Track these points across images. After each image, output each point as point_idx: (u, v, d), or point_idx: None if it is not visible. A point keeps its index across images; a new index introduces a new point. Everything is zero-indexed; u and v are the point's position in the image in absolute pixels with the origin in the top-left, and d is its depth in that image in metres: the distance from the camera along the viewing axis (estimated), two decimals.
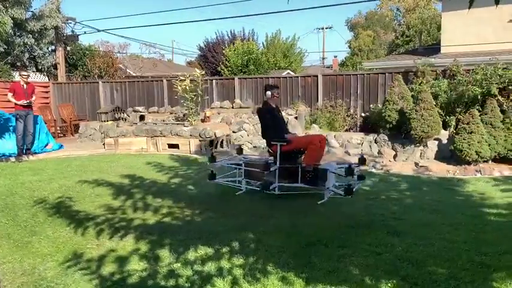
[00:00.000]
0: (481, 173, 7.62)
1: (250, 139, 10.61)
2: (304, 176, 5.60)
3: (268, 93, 5.99)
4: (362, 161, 5.79)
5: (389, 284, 3.15)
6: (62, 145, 10.99)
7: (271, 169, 5.57)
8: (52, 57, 16.83)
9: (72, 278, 3.42)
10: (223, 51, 23.93)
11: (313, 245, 3.97)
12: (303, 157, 5.86)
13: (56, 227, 4.63)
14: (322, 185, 5.56)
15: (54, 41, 16.68)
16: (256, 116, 11.15)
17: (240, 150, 6.62)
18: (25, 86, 9.46)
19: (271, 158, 5.89)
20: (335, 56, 42.72)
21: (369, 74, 11.97)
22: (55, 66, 16.85)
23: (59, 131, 14.00)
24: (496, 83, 8.77)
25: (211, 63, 26.62)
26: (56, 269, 3.58)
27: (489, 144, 7.94)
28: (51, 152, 10.09)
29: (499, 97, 8.72)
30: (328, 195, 5.54)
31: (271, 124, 5.86)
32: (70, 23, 17.45)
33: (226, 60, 23.16)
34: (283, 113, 10.94)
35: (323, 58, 42.69)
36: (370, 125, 10.83)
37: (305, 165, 5.63)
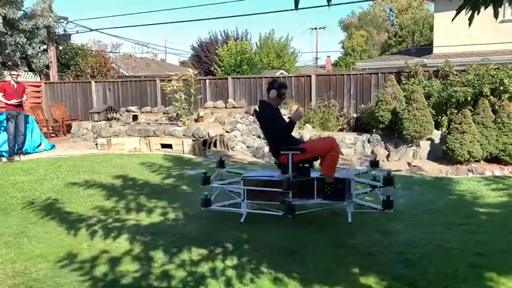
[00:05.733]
0: (472, 173, 7.67)
1: (244, 139, 10.60)
2: (322, 189, 4.57)
3: (274, 92, 4.76)
4: (374, 163, 5.07)
5: (382, 284, 3.16)
6: (54, 145, 10.90)
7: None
8: (44, 56, 16.70)
9: (65, 279, 3.39)
10: (217, 51, 23.88)
11: (306, 245, 3.97)
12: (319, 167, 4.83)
13: (48, 228, 4.59)
14: (348, 199, 4.60)
15: (46, 40, 16.54)
16: (251, 116, 11.19)
17: (221, 164, 5.28)
18: (15, 85, 9.37)
19: (281, 173, 4.77)
20: (328, 56, 42.83)
21: (362, 74, 12.01)
22: (47, 66, 16.72)
23: (51, 131, 13.89)
24: (488, 84, 8.83)
25: (204, 63, 26.56)
26: (48, 270, 3.55)
27: (481, 144, 7.99)
28: (43, 152, 10.00)
29: (491, 97, 8.78)
30: (352, 209, 4.63)
31: (278, 129, 4.72)
32: (62, 22, 17.30)
33: (219, 60, 23.11)
34: None
35: (316, 58, 42.77)
36: (363, 125, 10.86)
37: (326, 176, 4.57)
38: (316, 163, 4.93)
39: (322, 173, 4.63)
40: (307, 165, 4.75)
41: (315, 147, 4.80)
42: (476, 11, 1.99)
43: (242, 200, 4.74)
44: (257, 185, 4.72)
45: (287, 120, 4.91)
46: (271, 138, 4.88)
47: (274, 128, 4.74)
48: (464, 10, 2.01)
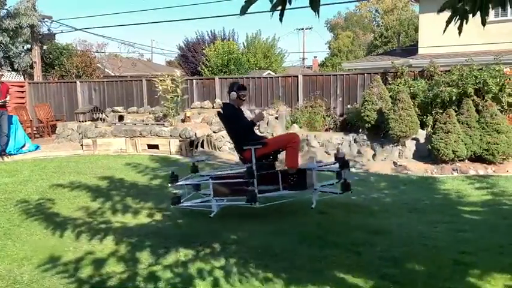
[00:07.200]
0: (457, 172, 7.77)
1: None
2: (286, 180, 4.87)
3: (234, 94, 5.08)
4: (337, 157, 5.18)
5: (369, 283, 3.18)
6: (38, 146, 10.74)
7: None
8: (28, 56, 16.46)
9: (49, 281, 3.34)
10: (204, 51, 23.79)
11: (293, 245, 3.98)
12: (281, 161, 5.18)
13: (32, 230, 4.53)
14: (310, 187, 4.95)
15: (30, 40, 16.30)
16: None
17: (195, 168, 5.48)
18: None
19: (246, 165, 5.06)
20: (315, 57, 43.11)
21: (348, 74, 12.08)
22: (31, 66, 16.48)
23: (36, 132, 13.68)
24: (471, 84, 8.95)
25: (191, 63, 26.44)
26: (32, 273, 3.50)
27: (465, 144, 8.10)
28: (27, 153, 9.85)
29: (475, 97, 8.91)
30: (317, 197, 5.03)
31: (240, 127, 5.08)
32: (46, 21, 17.04)
33: (206, 60, 23.02)
34: (264, 113, 10.96)
35: (303, 58, 42.93)
36: (349, 125, 10.92)
37: (289, 167, 4.91)
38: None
39: (286, 165, 4.98)
40: (271, 158, 5.12)
41: (275, 141, 5.22)
42: (465, 20, 2.02)
43: (212, 198, 4.97)
44: (223, 179, 5.02)
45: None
46: (234, 136, 5.23)
47: (236, 126, 5.11)
48: (453, 21, 2.04)
